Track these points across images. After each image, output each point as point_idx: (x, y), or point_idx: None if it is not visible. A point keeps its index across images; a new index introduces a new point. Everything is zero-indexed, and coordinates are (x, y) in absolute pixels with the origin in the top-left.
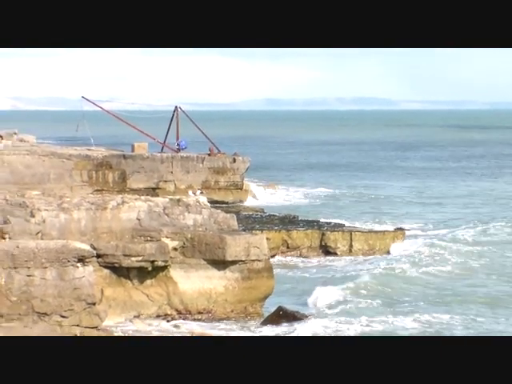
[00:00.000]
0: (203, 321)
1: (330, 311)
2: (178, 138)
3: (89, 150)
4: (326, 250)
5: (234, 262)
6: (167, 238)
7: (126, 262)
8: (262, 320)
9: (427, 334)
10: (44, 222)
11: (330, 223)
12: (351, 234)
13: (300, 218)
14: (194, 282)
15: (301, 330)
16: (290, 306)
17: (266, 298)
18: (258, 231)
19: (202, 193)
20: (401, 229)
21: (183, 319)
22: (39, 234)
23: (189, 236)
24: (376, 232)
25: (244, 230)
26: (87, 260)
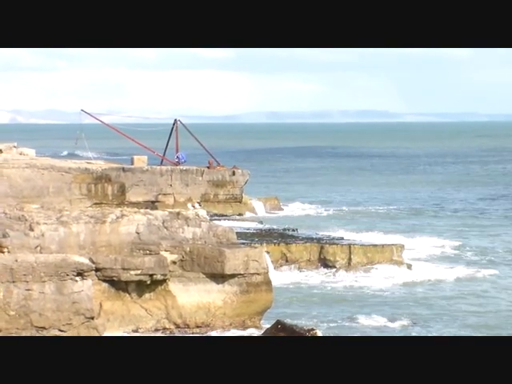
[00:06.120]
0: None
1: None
2: (177, 151)
3: (88, 163)
4: (325, 264)
5: (232, 276)
6: (166, 251)
7: (125, 276)
8: (260, 334)
9: None
10: (43, 235)
11: (330, 236)
12: (350, 247)
13: (299, 232)
14: (193, 295)
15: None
16: (289, 320)
17: (264, 311)
18: (257, 244)
19: (200, 205)
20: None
21: (181, 333)
22: (38, 248)
23: (188, 249)
24: (375, 245)
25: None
26: (86, 274)
